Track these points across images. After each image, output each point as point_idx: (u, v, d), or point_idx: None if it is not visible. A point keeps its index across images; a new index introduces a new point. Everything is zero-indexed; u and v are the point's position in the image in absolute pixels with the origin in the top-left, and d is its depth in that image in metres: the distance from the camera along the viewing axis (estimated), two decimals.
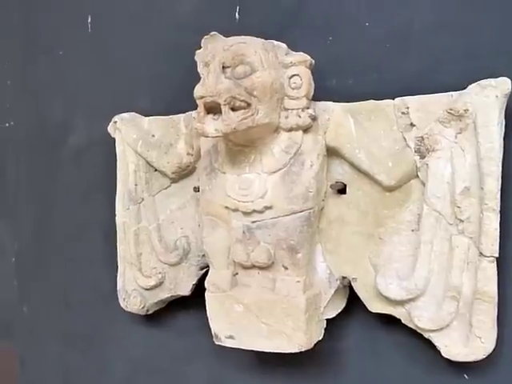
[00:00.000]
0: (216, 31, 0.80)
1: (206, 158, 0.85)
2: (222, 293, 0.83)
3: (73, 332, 1.21)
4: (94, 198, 1.15)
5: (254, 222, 0.78)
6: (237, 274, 0.83)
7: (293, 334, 0.77)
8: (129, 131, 0.98)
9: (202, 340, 0.96)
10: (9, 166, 1.30)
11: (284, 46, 0.78)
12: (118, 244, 1.02)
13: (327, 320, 0.83)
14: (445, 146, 0.73)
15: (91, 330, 1.18)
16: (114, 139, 1.01)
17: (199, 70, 0.83)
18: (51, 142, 1.22)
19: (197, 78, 0.78)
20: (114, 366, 1.15)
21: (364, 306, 0.81)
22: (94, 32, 1.15)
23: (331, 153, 0.80)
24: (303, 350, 0.78)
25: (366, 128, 0.78)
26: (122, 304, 1.02)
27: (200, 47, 0.82)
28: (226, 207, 0.80)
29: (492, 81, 0.70)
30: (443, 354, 0.75)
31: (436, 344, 0.76)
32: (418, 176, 0.76)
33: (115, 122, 1.00)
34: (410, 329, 0.78)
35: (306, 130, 0.78)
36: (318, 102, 0.80)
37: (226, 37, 0.79)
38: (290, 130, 0.78)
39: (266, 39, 0.78)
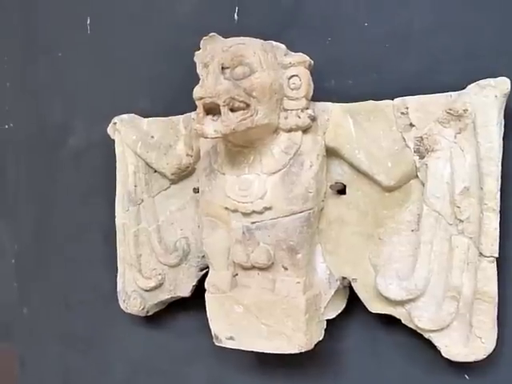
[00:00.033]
0: (215, 32, 0.80)
1: (206, 159, 0.85)
2: (222, 294, 0.82)
3: (73, 333, 1.21)
4: (93, 199, 1.15)
5: (253, 222, 0.78)
6: (237, 274, 0.83)
7: (293, 335, 0.77)
8: (128, 132, 0.98)
9: (202, 341, 0.96)
10: (9, 167, 1.30)
11: (283, 46, 0.78)
12: (117, 245, 1.02)
13: (327, 321, 0.83)
14: (444, 146, 0.73)
15: (91, 331, 1.18)
16: (113, 140, 1.01)
17: (198, 71, 0.83)
18: (51, 143, 1.22)
19: (196, 79, 0.78)
20: (114, 367, 1.15)
21: (364, 306, 0.81)
22: (93, 33, 1.15)
23: (331, 153, 0.80)
24: (303, 350, 0.77)
25: (366, 128, 0.78)
26: (122, 305, 1.02)
27: (199, 48, 0.82)
28: (226, 208, 0.80)
29: (491, 81, 0.70)
30: (443, 354, 0.75)
31: (436, 344, 0.76)
32: (417, 176, 0.76)
33: (115, 124, 1.00)
34: (410, 329, 0.78)
35: (305, 130, 0.78)
36: (317, 103, 0.80)
37: (225, 38, 0.79)
38: (290, 130, 0.78)
39: (265, 40, 0.78)
